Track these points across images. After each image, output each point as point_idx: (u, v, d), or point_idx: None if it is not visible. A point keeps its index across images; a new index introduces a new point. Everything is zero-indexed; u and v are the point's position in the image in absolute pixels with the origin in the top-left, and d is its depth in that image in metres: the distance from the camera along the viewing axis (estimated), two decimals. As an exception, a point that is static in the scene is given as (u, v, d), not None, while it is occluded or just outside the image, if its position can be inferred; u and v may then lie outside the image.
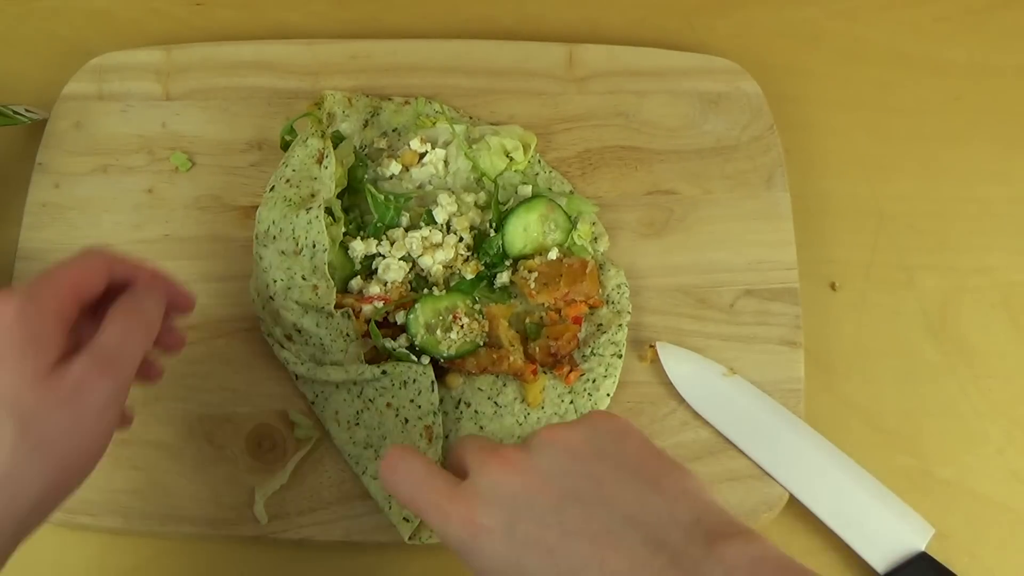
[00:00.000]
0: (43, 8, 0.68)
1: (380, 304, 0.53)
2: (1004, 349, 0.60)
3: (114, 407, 0.40)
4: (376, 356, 0.53)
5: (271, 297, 0.53)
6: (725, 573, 0.31)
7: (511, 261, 0.56)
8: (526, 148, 0.59)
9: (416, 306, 0.53)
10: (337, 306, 0.53)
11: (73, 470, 0.40)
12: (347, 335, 0.53)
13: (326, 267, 0.52)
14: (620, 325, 0.55)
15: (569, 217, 0.57)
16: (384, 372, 0.52)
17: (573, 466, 0.35)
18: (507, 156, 0.58)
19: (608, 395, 0.54)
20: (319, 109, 0.58)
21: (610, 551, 0.33)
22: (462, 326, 0.53)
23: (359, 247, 0.55)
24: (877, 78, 0.67)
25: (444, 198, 0.56)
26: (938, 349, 0.60)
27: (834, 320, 0.60)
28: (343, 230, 0.55)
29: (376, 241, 0.55)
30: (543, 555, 0.33)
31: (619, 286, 0.56)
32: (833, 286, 0.61)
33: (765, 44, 0.68)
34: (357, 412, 0.52)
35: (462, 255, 0.56)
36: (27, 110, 0.62)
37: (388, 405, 0.52)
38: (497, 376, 0.54)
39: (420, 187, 0.59)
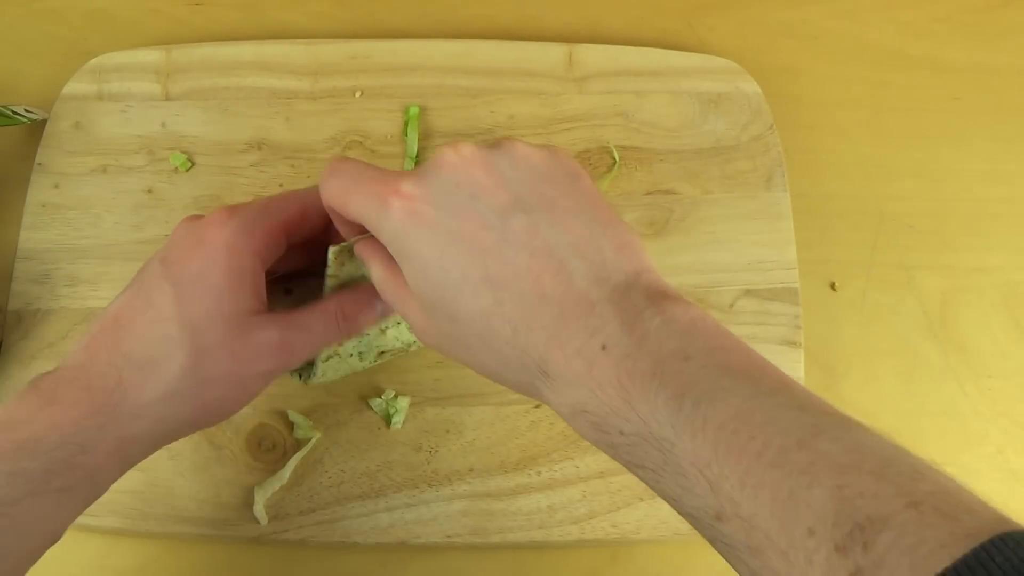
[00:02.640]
0: (43, 8, 0.68)
1: None
2: (1004, 349, 0.60)
3: (272, 379, 0.43)
4: None
5: None
6: (663, 324, 0.30)
7: None
8: None
9: None
10: None
11: (213, 416, 0.42)
12: None
13: None
14: None
15: None
16: None
17: (530, 178, 0.34)
18: None
19: None
20: None
21: (547, 271, 0.32)
22: None
23: None
24: (877, 78, 0.67)
25: None
26: (938, 349, 0.60)
27: (834, 320, 0.60)
28: None
29: None
30: (474, 255, 0.33)
31: None
32: (833, 286, 0.61)
33: (765, 44, 0.68)
34: None
35: None
36: (27, 110, 0.62)
37: None
38: None
39: None
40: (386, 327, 0.50)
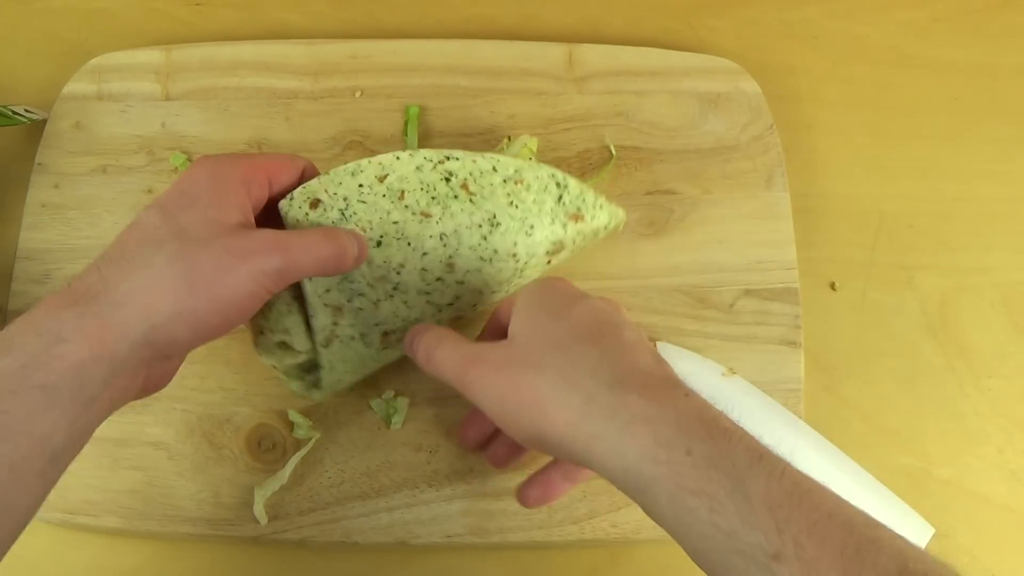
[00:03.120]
0: (43, 8, 0.68)
1: None
2: (1004, 349, 0.60)
3: (267, 291, 0.41)
4: None
5: None
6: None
7: None
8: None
9: None
10: None
11: (209, 320, 0.40)
12: None
13: None
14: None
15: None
16: None
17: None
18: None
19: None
20: None
21: (647, 352, 0.39)
22: None
23: None
24: (877, 78, 0.67)
25: None
26: (938, 349, 0.60)
27: (834, 320, 0.60)
28: None
29: None
30: (595, 320, 0.41)
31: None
32: (833, 286, 0.61)
33: (765, 44, 0.68)
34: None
35: None
36: (27, 110, 0.62)
37: None
38: None
39: None
40: (378, 299, 0.49)
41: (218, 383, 0.55)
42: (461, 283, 0.50)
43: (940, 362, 0.59)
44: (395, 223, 0.49)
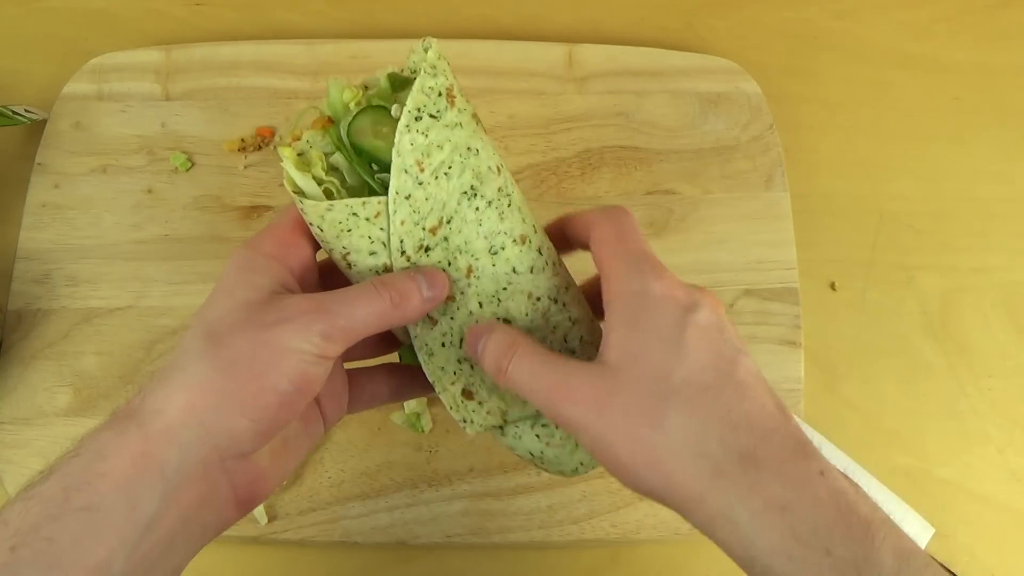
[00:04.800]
0: (43, 8, 0.68)
1: None
2: (1004, 349, 0.60)
3: (316, 360, 0.35)
4: None
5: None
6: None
7: None
8: None
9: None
10: None
11: (257, 405, 0.35)
12: None
13: None
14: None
15: None
16: None
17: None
18: None
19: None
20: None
21: (769, 401, 0.35)
22: None
23: None
24: (877, 78, 0.67)
25: None
26: (938, 349, 0.60)
27: (834, 320, 0.60)
28: None
29: None
30: (712, 352, 0.35)
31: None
32: (833, 286, 0.61)
33: (765, 44, 0.68)
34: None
35: None
36: (27, 110, 0.62)
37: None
38: None
39: None
40: (453, 314, 0.40)
41: (218, 383, 0.55)
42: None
43: (940, 362, 0.59)
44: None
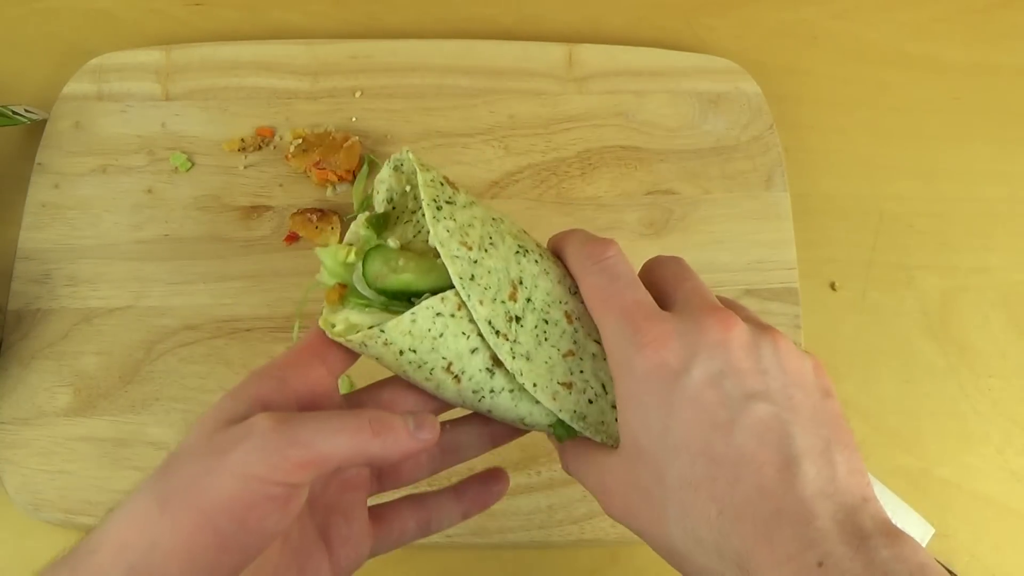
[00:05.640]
0: (43, 8, 0.68)
1: None
2: (1004, 349, 0.60)
3: (272, 489, 0.30)
4: None
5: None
6: (892, 558, 0.28)
7: None
8: None
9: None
10: None
11: (200, 543, 0.29)
12: None
13: None
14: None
15: None
16: None
17: (785, 377, 0.33)
18: None
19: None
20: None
21: (773, 465, 0.31)
22: None
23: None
24: (877, 78, 0.67)
25: None
26: (938, 349, 0.60)
27: (834, 320, 0.60)
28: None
29: None
30: (703, 426, 0.31)
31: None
32: (833, 286, 0.61)
33: (765, 44, 0.68)
34: None
35: None
36: (27, 110, 0.62)
37: None
38: None
39: None
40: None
41: (218, 383, 0.55)
42: None
43: (940, 362, 0.59)
44: None
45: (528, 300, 0.36)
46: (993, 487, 0.56)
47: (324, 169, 0.59)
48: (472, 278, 0.34)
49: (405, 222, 0.40)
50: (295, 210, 0.59)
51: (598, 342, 0.37)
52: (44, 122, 0.62)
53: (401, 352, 0.34)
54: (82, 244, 0.58)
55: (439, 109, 0.62)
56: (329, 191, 0.60)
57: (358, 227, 0.39)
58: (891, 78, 0.67)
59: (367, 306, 0.37)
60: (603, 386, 0.37)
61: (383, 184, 0.40)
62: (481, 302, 0.34)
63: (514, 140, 0.62)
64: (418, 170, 0.36)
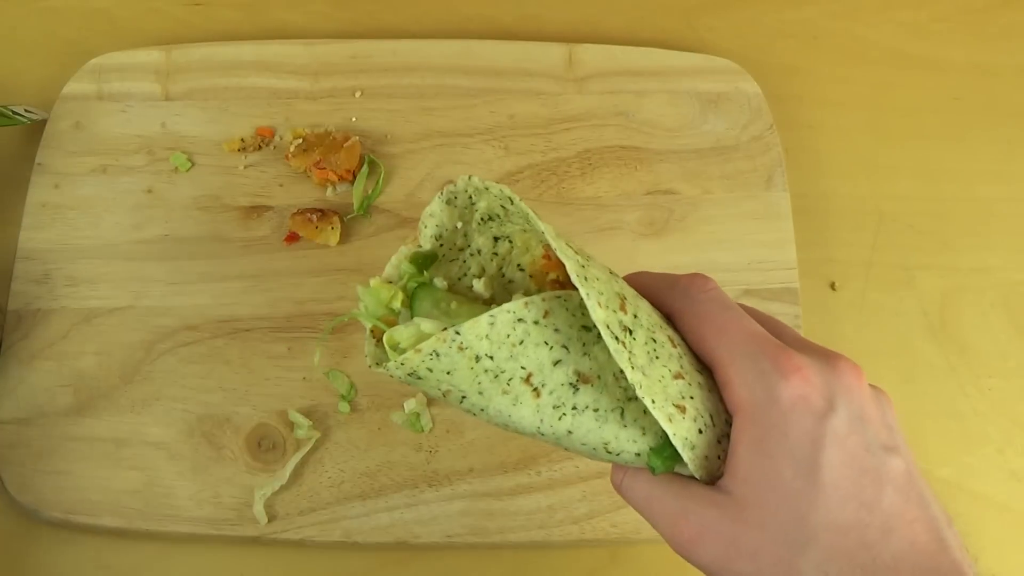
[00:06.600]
0: (43, 8, 0.68)
1: None
2: (1004, 349, 0.60)
3: None
4: None
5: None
6: None
7: None
8: None
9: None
10: None
11: None
12: None
13: None
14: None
15: None
16: None
17: (900, 435, 0.34)
18: None
19: None
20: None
21: (921, 523, 0.31)
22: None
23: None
24: (877, 78, 0.67)
25: None
26: (938, 349, 0.60)
27: (834, 320, 0.60)
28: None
29: None
30: (855, 468, 0.30)
31: None
32: (833, 286, 0.61)
33: (765, 44, 0.68)
34: None
35: None
36: (27, 110, 0.62)
37: None
38: None
39: None
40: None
41: (218, 383, 0.55)
42: None
43: (940, 362, 0.59)
44: None
45: (635, 316, 0.33)
46: (993, 487, 0.56)
47: (324, 169, 0.59)
48: (586, 280, 0.31)
49: (451, 260, 0.38)
50: (295, 210, 0.59)
51: (701, 372, 0.34)
52: (44, 122, 0.62)
53: (477, 358, 0.31)
54: (82, 244, 0.58)
55: (439, 109, 0.62)
56: (329, 191, 0.60)
57: (399, 261, 0.37)
58: (891, 78, 0.67)
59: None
60: (711, 418, 0.33)
61: (432, 219, 0.37)
62: (599, 304, 0.31)
63: (514, 140, 0.62)
64: (507, 193, 0.33)
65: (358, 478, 0.53)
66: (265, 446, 0.54)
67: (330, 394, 0.55)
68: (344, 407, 0.54)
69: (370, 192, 0.60)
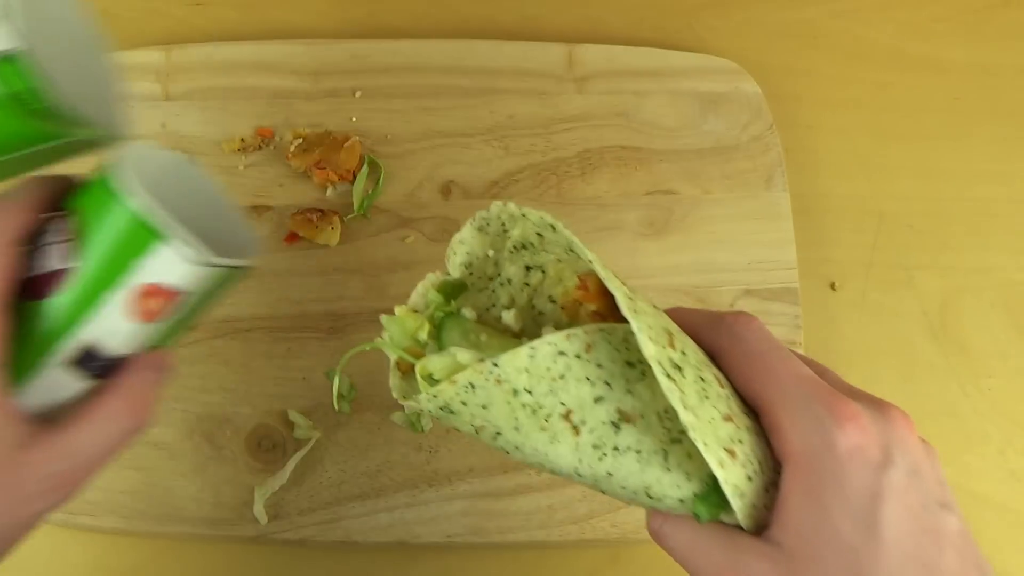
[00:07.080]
0: (43, 8, 0.68)
1: None
2: (1004, 349, 0.60)
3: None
4: None
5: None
6: None
7: None
8: None
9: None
10: None
11: None
12: None
13: None
14: None
15: None
16: None
17: (950, 491, 0.32)
18: None
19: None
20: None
21: None
22: None
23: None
24: (877, 78, 0.67)
25: None
26: (938, 349, 0.60)
27: (834, 320, 0.60)
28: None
29: None
30: (913, 522, 0.29)
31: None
32: (833, 286, 0.61)
33: (765, 44, 0.68)
34: None
35: None
36: (27, 110, 0.61)
37: None
38: None
39: None
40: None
41: (218, 383, 0.55)
42: None
43: (940, 362, 0.59)
44: None
45: (683, 353, 0.31)
46: (993, 487, 0.56)
47: (324, 169, 0.59)
48: (636, 313, 0.29)
49: (480, 290, 0.36)
50: (295, 210, 0.59)
51: (747, 415, 0.32)
52: (44, 122, 0.62)
53: (515, 392, 0.30)
54: (82, 244, 0.58)
55: (439, 109, 0.62)
56: (329, 191, 0.60)
57: (426, 289, 0.35)
58: (891, 78, 0.67)
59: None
60: (760, 464, 0.31)
61: (463, 246, 0.36)
62: (651, 339, 0.29)
63: (514, 140, 0.62)
64: (552, 223, 0.32)
65: (358, 478, 0.53)
66: (265, 446, 0.54)
67: (330, 394, 0.55)
68: (344, 407, 0.54)
69: (370, 192, 0.60)
